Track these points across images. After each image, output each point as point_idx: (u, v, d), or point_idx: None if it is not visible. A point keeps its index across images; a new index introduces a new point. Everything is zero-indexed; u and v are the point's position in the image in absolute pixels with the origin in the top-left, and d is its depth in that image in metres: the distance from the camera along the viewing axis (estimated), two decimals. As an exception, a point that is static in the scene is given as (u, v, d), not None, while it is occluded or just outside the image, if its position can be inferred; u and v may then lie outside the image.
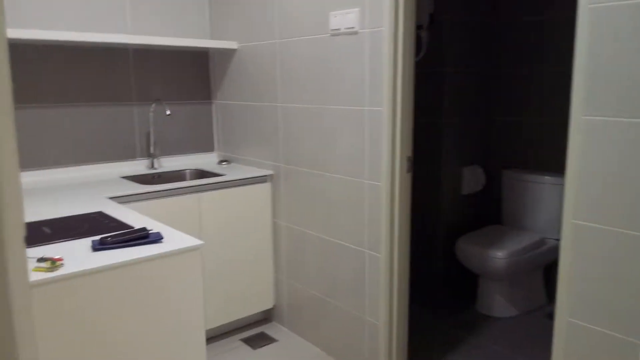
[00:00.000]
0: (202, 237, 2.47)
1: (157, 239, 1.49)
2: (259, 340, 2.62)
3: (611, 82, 1.39)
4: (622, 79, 1.37)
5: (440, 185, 3.03)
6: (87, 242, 1.49)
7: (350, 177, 2.25)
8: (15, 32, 2.14)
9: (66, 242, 1.48)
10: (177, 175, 2.82)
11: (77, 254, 1.38)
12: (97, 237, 1.50)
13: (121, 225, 1.65)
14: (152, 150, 2.79)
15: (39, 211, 1.87)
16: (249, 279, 2.67)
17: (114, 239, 1.44)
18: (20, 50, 2.36)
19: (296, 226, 2.57)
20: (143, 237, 1.47)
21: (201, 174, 2.82)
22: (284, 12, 2.47)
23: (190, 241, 1.50)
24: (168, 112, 2.59)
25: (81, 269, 1.28)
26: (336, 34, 2.23)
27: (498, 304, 2.86)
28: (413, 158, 3.15)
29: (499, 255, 2.69)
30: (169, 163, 2.91)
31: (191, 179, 2.81)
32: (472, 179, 3.14)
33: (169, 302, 1.45)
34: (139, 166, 2.80)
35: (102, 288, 1.32)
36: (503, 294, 2.85)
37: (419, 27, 3.00)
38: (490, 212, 3.38)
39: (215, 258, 2.53)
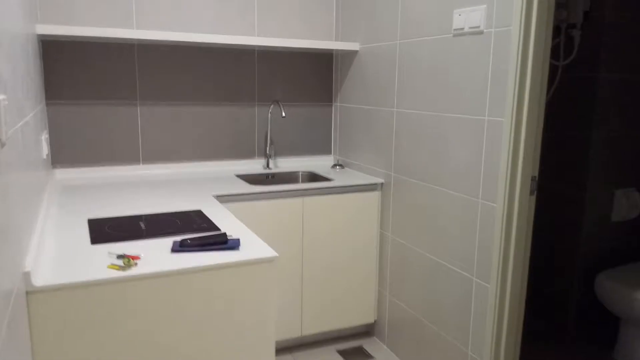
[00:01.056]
0: (304, 241, 2.42)
1: (234, 245, 1.45)
2: (355, 355, 2.50)
3: None
4: None
5: (584, 209, 2.60)
6: (170, 241, 1.51)
7: (463, 194, 2.01)
8: (160, 34, 2.30)
9: (153, 240, 1.52)
10: (289, 177, 2.82)
11: (156, 254, 1.41)
12: (179, 238, 1.52)
13: (211, 226, 1.66)
14: (268, 150, 2.83)
15: (144, 204, 1.98)
16: (350, 289, 2.56)
17: (193, 242, 1.44)
18: (161, 51, 2.55)
19: (402, 240, 2.39)
20: (221, 242, 1.45)
21: (312, 177, 2.79)
22: (406, 11, 2.30)
23: (266, 252, 1.44)
24: (283, 115, 2.60)
25: (150, 271, 1.29)
26: (459, 33, 2.00)
27: (647, 358, 2.36)
28: (540, 177, 2.75)
29: (651, 302, 2.21)
30: (284, 164, 2.93)
31: (303, 182, 2.79)
32: (625, 204, 2.63)
33: (238, 312, 1.41)
34: (256, 165, 2.86)
35: (170, 291, 1.32)
36: (654, 347, 2.35)
37: (571, 27, 2.60)
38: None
39: (317, 264, 2.47)
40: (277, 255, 1.46)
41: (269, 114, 2.83)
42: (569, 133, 2.65)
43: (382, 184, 2.54)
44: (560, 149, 2.70)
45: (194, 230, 1.61)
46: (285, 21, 2.79)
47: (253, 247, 1.48)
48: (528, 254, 1.89)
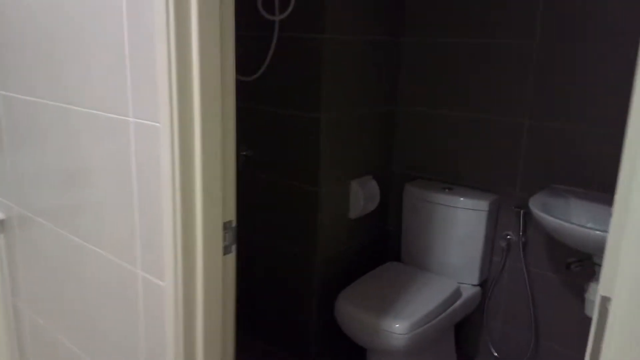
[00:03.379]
0: None
1: None
2: None
3: None
4: None
5: (318, 207, 2.01)
6: None
7: (115, 256, 1.12)
8: None
9: None
10: None
11: None
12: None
13: None
14: None
15: None
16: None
17: None
18: None
19: (41, 319, 1.42)
20: None
21: None
22: None
23: None
24: None
25: None
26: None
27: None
28: (275, 175, 2.09)
29: (397, 330, 1.75)
30: None
31: None
32: (362, 197, 2.14)
33: None
34: None
35: None
36: (402, 370, 1.95)
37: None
38: (387, 243, 2.44)
39: None
40: None
41: None
42: (290, 112, 1.99)
43: (2, 221, 1.47)
44: (282, 134, 2.03)
45: None
46: None
47: None
48: (232, 339, 1.13)
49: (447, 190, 2.10)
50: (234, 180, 1.02)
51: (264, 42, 1.97)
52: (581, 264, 1.88)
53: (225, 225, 1.01)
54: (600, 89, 1.77)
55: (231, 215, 1.02)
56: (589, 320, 1.93)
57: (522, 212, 2.00)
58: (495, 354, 2.16)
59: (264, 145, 2.12)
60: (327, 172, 1.99)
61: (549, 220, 1.65)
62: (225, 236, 1.02)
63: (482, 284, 2.11)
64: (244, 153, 2.18)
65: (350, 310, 1.84)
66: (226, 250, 1.02)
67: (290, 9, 1.82)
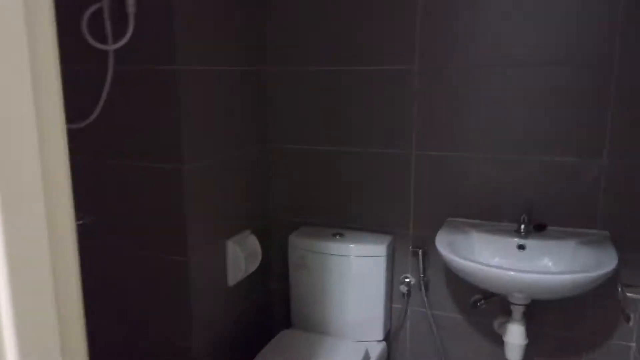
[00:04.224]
0: None
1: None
2: None
3: None
4: None
5: (189, 281, 1.58)
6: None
7: None
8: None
9: None
10: None
11: None
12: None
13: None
14: None
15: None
16: None
17: None
18: None
19: None
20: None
21: None
22: None
23: None
24: None
25: None
26: None
27: None
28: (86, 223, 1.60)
29: None
30: None
31: None
32: (243, 257, 1.76)
33: None
34: None
35: None
36: None
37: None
38: (274, 307, 2.09)
39: None
40: None
41: None
42: (143, 164, 1.55)
43: None
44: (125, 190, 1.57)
45: None
46: None
47: None
48: None
49: (337, 236, 1.83)
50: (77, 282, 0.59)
51: (95, 77, 1.51)
52: (487, 300, 1.75)
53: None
54: (481, 114, 1.66)
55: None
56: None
57: (420, 251, 1.81)
58: (409, 413, 1.93)
59: (109, 208, 1.63)
60: (196, 235, 1.58)
61: (465, 264, 1.46)
62: None
63: (386, 336, 1.88)
64: (80, 222, 1.66)
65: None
66: None
67: (128, 35, 1.40)
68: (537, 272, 1.39)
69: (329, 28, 1.78)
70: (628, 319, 1.25)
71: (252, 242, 1.83)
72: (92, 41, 1.44)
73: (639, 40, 1.48)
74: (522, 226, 1.61)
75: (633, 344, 1.62)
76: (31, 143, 0.51)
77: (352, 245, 1.77)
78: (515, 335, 1.57)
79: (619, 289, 1.28)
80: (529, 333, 1.60)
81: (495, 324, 1.71)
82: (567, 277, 1.36)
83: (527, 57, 1.58)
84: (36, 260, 0.53)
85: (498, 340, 1.69)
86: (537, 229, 1.63)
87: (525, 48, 1.58)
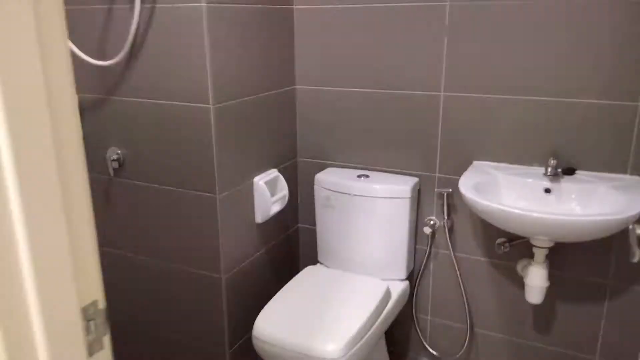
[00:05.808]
0: None
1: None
2: None
3: None
4: None
5: (218, 216, 1.64)
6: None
7: None
8: None
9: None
10: None
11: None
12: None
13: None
14: None
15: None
16: None
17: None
18: None
19: None
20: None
21: None
22: None
23: None
24: None
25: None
26: None
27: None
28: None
29: (331, 354, 1.48)
30: None
31: None
32: (268, 196, 1.81)
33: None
34: None
35: None
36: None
37: None
38: (301, 245, 2.15)
39: None
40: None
41: None
42: (172, 104, 1.58)
43: None
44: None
45: None
46: None
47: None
48: None
49: (363, 177, 1.85)
50: (93, 235, 0.64)
51: (118, 16, 1.53)
52: (511, 244, 1.75)
53: (86, 311, 0.63)
54: (513, 54, 1.60)
55: (95, 293, 0.65)
56: (524, 304, 1.87)
57: (445, 194, 1.81)
58: (429, 349, 2.00)
59: (140, 146, 1.69)
60: (224, 172, 1.62)
61: (486, 205, 1.45)
62: (89, 327, 0.64)
63: (409, 276, 1.92)
64: (116, 157, 1.73)
65: (273, 337, 1.53)
66: (93, 348, 0.65)
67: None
68: (561, 214, 1.37)
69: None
70: (634, 256, 1.25)
71: (280, 181, 1.87)
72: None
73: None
74: (550, 169, 1.58)
75: (659, 291, 1.60)
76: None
77: (377, 186, 1.79)
78: (536, 277, 1.58)
79: (630, 227, 1.27)
80: (551, 277, 1.61)
81: (519, 266, 1.72)
82: (588, 219, 1.34)
83: (567, -9, 1.49)
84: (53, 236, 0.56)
85: (520, 284, 1.71)
86: (566, 172, 1.59)
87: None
